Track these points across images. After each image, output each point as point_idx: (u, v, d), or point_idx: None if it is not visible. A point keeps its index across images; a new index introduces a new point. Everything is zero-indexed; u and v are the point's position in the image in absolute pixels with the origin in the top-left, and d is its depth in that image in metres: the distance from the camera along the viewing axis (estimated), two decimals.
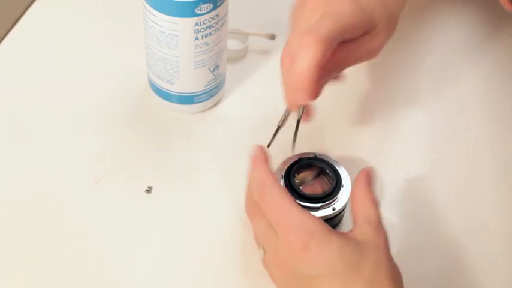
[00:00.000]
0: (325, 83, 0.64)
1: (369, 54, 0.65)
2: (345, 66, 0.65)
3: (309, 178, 0.66)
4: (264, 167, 0.61)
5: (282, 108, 0.76)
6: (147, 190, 0.69)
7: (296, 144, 0.64)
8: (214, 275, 0.65)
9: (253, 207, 0.61)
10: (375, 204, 0.60)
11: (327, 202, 0.63)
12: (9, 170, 0.71)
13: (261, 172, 0.61)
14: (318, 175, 0.66)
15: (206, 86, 0.73)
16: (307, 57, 0.59)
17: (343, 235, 0.58)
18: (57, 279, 0.64)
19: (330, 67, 0.63)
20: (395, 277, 0.57)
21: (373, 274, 0.56)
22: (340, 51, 0.63)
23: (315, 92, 0.60)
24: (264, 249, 0.60)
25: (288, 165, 0.65)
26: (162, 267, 0.65)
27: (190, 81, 0.72)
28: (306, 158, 0.66)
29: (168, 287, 0.64)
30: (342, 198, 0.64)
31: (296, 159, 0.66)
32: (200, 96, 0.74)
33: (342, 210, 0.65)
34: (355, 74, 0.80)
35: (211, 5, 0.66)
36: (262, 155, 0.62)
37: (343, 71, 0.65)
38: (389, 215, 0.69)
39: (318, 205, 0.63)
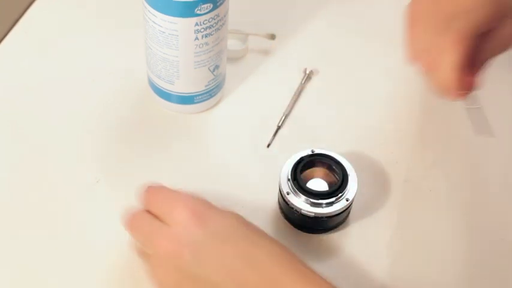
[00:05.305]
0: (478, 72, 0.64)
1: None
2: (494, 55, 0.65)
3: (315, 174, 0.67)
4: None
5: (281, 108, 0.77)
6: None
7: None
8: None
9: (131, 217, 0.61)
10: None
11: (340, 194, 0.64)
12: (9, 170, 0.71)
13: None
14: (322, 170, 0.67)
15: (206, 86, 0.73)
16: (449, 62, 0.61)
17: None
18: (57, 278, 0.64)
19: (479, 59, 0.63)
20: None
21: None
22: (484, 43, 0.64)
23: (466, 88, 0.62)
24: (150, 252, 0.59)
25: (291, 167, 0.66)
26: None
27: (190, 81, 0.72)
28: (306, 155, 0.66)
29: None
30: (352, 188, 0.65)
31: (297, 159, 0.66)
32: (200, 96, 0.74)
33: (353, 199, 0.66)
34: (355, 74, 0.80)
35: (211, 5, 0.66)
36: None
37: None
38: (389, 215, 0.69)
39: (333, 199, 0.64)
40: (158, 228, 0.58)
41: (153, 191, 0.61)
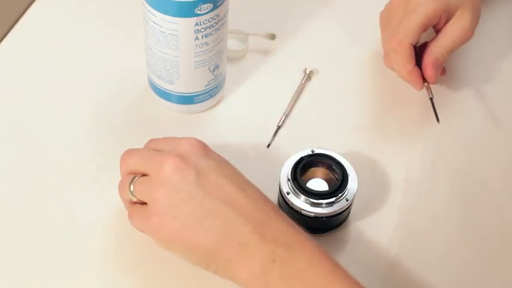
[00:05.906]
0: (440, 66, 0.73)
1: (464, 36, 0.73)
2: (450, 49, 0.74)
3: (315, 174, 0.67)
4: None
5: (281, 108, 0.77)
6: None
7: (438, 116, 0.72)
8: None
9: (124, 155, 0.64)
10: None
11: (340, 194, 0.64)
12: (9, 170, 0.71)
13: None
14: (322, 170, 0.67)
15: (206, 86, 0.73)
16: (398, 60, 0.72)
17: None
18: (57, 278, 0.64)
19: (436, 53, 0.73)
20: None
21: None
22: (437, 38, 0.73)
23: (421, 82, 0.72)
24: (143, 177, 0.61)
25: (291, 167, 0.66)
26: (163, 266, 0.65)
27: (190, 81, 0.72)
28: (306, 155, 0.66)
29: (170, 286, 0.64)
30: (351, 188, 0.65)
31: (297, 159, 0.66)
32: (200, 96, 0.74)
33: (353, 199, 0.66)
34: (355, 74, 0.80)
35: (211, 5, 0.66)
36: None
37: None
38: (389, 215, 0.69)
39: (333, 199, 0.64)
40: (162, 152, 0.61)
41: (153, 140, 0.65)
